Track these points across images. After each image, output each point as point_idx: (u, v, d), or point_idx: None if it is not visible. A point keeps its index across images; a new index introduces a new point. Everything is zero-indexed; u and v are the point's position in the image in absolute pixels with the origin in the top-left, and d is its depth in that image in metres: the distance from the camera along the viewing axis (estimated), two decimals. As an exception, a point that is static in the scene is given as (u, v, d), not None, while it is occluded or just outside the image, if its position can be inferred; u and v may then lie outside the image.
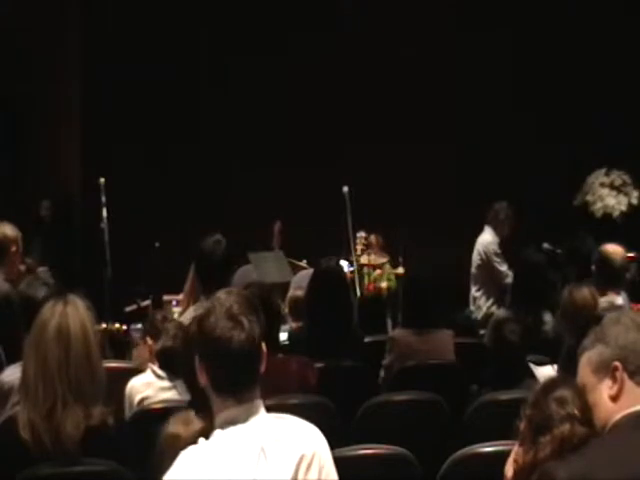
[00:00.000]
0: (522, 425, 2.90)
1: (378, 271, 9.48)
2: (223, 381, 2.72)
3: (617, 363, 2.68)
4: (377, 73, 11.32)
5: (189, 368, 3.86)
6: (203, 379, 2.76)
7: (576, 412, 2.82)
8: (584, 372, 2.77)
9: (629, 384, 2.67)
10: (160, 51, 11.17)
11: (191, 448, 2.66)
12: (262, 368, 2.78)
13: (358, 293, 8.88)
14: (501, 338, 5.22)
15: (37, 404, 3.70)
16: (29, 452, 3.64)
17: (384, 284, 9.45)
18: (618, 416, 2.65)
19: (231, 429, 2.69)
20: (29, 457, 3.63)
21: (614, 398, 2.67)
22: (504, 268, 9.14)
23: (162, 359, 4.78)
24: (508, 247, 9.25)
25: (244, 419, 2.71)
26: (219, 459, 2.63)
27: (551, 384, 2.97)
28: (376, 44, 11.31)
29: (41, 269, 7.74)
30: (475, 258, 9.31)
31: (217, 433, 2.70)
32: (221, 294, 2.80)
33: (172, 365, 4.68)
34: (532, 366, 5.25)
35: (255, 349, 2.74)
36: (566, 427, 2.81)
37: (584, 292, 5.68)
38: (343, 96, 11.27)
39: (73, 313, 3.80)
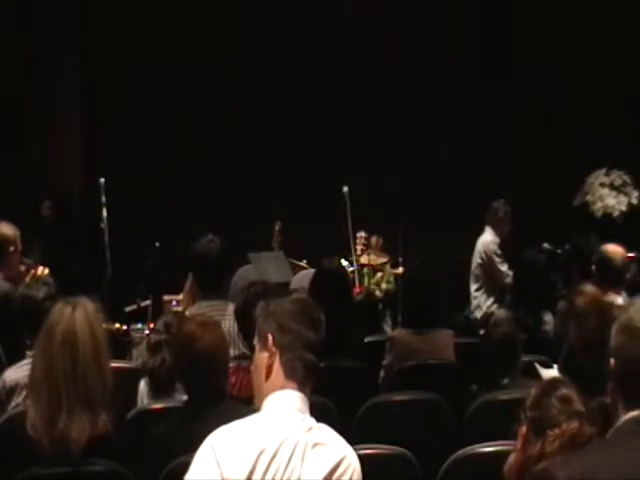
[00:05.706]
0: (523, 428, 2.89)
1: (380, 274, 9.47)
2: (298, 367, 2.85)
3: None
4: (376, 75, 11.32)
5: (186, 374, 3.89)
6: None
7: (584, 410, 2.82)
8: None
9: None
10: (160, 51, 11.17)
11: (223, 428, 2.69)
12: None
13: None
14: (492, 333, 5.25)
15: (41, 409, 3.64)
16: (34, 449, 3.61)
17: (382, 288, 9.42)
18: (620, 420, 2.64)
19: (275, 413, 2.74)
20: (35, 453, 3.61)
21: None
22: (504, 268, 9.15)
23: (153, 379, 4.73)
24: (508, 247, 9.25)
25: (296, 407, 2.78)
26: (252, 443, 2.65)
27: (551, 385, 2.97)
28: (376, 44, 11.31)
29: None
30: (475, 258, 9.32)
31: (258, 415, 2.74)
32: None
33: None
34: (538, 368, 5.25)
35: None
36: (576, 424, 2.81)
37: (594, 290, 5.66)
38: (343, 96, 11.27)
39: (81, 317, 3.71)
